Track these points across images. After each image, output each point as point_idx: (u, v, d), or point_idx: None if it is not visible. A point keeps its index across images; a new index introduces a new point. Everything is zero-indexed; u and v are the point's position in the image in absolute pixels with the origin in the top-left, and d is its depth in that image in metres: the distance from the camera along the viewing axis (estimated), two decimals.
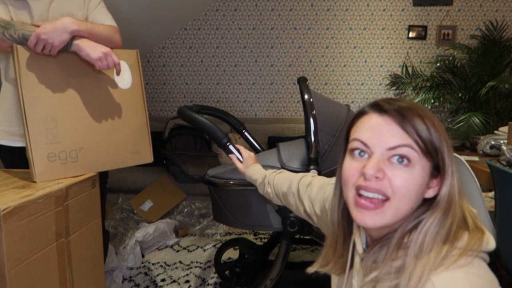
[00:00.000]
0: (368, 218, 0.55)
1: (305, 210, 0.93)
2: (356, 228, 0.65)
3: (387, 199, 0.54)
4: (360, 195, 0.56)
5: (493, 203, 1.63)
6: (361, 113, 0.61)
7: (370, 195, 0.55)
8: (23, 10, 1.18)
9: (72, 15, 1.25)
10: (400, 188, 0.53)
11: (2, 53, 1.19)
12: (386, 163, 0.54)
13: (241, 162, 1.25)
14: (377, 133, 0.55)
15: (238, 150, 1.27)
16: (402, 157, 0.54)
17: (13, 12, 1.16)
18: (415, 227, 0.55)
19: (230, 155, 1.27)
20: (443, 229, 0.53)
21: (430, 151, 0.54)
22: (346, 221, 0.66)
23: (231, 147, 1.27)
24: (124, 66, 1.27)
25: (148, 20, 2.78)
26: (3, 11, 1.13)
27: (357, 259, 0.64)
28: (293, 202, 0.98)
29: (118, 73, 1.23)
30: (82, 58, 1.15)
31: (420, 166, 0.54)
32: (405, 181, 0.53)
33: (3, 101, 1.23)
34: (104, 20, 1.31)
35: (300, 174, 1.01)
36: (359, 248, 0.63)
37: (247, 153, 1.26)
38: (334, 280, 0.73)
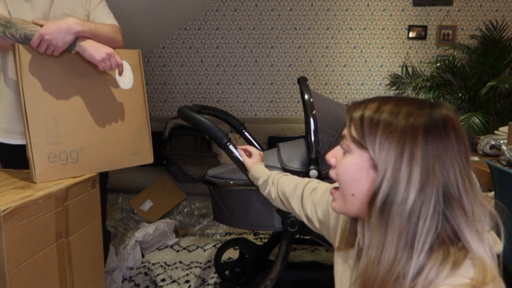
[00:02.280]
0: (332, 204, 0.63)
1: (306, 214, 0.92)
2: (359, 225, 0.65)
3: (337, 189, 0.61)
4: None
5: (493, 203, 1.63)
6: None
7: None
8: (25, 7, 1.17)
9: (74, 12, 1.25)
10: (339, 174, 0.59)
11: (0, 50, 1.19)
12: (342, 153, 0.59)
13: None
14: None
15: (245, 150, 1.28)
16: (343, 145, 0.59)
17: (13, 8, 1.15)
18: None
19: (239, 148, 1.27)
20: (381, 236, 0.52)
21: (358, 140, 0.55)
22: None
23: (231, 147, 1.27)
24: (126, 66, 1.27)
25: (148, 20, 2.78)
26: (1, 7, 1.12)
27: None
28: (295, 205, 0.97)
29: (120, 74, 1.22)
30: (84, 58, 1.14)
31: (357, 154, 0.56)
32: (342, 167, 0.58)
33: (1, 99, 1.22)
34: (105, 19, 1.30)
35: (307, 179, 1.01)
36: (361, 243, 0.63)
37: (257, 151, 1.26)
38: (339, 262, 0.73)
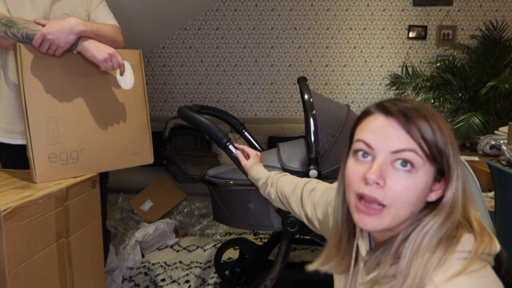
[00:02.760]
0: (368, 222, 0.55)
1: (306, 215, 0.92)
2: (359, 230, 0.65)
3: (384, 206, 0.54)
4: (360, 199, 0.56)
5: (493, 203, 1.64)
6: (366, 113, 0.59)
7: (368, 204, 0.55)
8: (26, 6, 1.17)
9: (74, 12, 1.25)
10: (400, 196, 0.53)
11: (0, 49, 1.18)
12: (389, 168, 0.54)
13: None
14: (382, 135, 0.54)
15: (242, 150, 1.28)
16: (405, 161, 0.53)
17: (14, 7, 1.15)
18: (414, 229, 0.54)
19: (237, 151, 1.28)
20: (442, 232, 0.53)
21: (435, 155, 0.53)
22: (351, 219, 0.65)
23: (231, 147, 1.27)
24: (127, 66, 1.27)
25: (148, 20, 2.78)
26: (1, 6, 1.12)
27: (360, 261, 0.64)
28: (295, 205, 0.97)
29: (122, 74, 1.23)
30: (85, 58, 1.14)
31: (424, 171, 0.53)
32: (406, 188, 0.53)
33: (1, 99, 1.22)
34: (106, 19, 1.30)
35: (306, 179, 1.01)
36: (363, 251, 0.63)
37: (254, 152, 1.27)
38: (337, 279, 0.73)
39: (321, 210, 0.86)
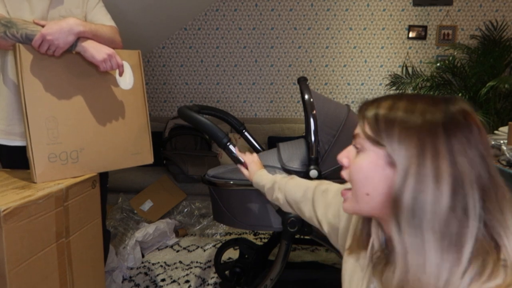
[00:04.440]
0: (343, 206, 0.62)
1: (317, 217, 0.89)
2: (373, 225, 0.63)
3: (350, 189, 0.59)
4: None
5: None
6: None
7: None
8: (24, 8, 1.17)
9: (70, 13, 1.25)
10: (352, 173, 0.57)
11: None
12: (354, 152, 0.58)
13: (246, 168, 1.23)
14: None
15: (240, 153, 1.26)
16: (356, 144, 0.58)
17: (12, 8, 1.15)
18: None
19: (238, 165, 1.25)
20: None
21: (374, 137, 0.54)
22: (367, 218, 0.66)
23: (231, 146, 1.27)
24: (126, 66, 1.27)
25: (148, 20, 2.78)
26: (0, 7, 1.12)
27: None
28: (306, 210, 0.94)
29: (121, 74, 1.23)
30: (84, 59, 1.15)
31: (371, 152, 0.54)
32: (355, 165, 0.57)
33: (0, 100, 1.22)
34: (103, 20, 1.31)
35: (316, 181, 0.97)
36: (376, 245, 0.61)
37: (250, 158, 1.23)
38: (351, 271, 0.71)
39: (333, 210, 0.84)
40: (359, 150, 0.57)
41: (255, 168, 1.20)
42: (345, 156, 0.60)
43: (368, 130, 0.55)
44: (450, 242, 0.46)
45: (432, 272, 0.47)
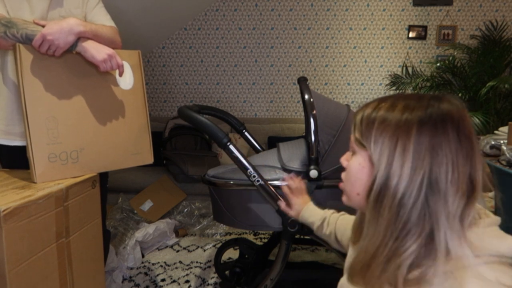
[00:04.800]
0: (342, 198, 0.65)
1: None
2: None
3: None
4: None
5: (493, 203, 1.64)
6: None
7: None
8: (25, 8, 1.17)
9: (70, 14, 1.25)
10: (346, 174, 0.62)
11: None
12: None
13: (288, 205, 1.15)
14: None
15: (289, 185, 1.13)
16: (350, 147, 0.61)
17: (13, 8, 1.15)
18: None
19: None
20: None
21: (359, 140, 0.57)
22: None
23: (231, 147, 1.27)
24: (126, 66, 1.27)
25: (148, 20, 2.78)
26: (0, 7, 1.12)
27: None
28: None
29: (121, 75, 1.23)
30: (85, 59, 1.15)
31: (360, 154, 0.58)
32: (349, 168, 0.61)
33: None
34: (103, 20, 1.31)
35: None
36: None
37: (294, 199, 1.11)
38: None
39: None
40: (352, 153, 0.60)
41: (300, 206, 1.10)
42: (345, 159, 0.64)
43: (357, 133, 0.58)
44: (396, 228, 0.51)
45: (370, 252, 0.53)
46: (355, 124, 0.59)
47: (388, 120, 0.53)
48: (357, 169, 0.58)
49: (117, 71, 1.22)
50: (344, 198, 0.65)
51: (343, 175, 0.64)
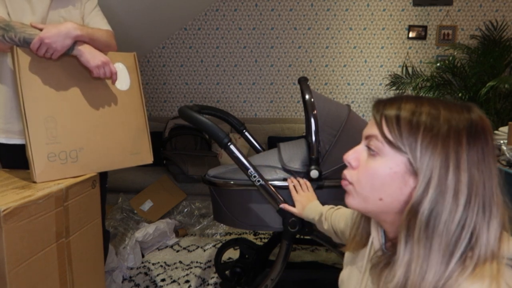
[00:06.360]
0: (347, 199, 0.59)
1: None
2: (373, 225, 0.64)
3: (352, 184, 0.57)
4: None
5: None
6: None
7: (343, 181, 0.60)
8: (26, 10, 1.17)
9: (70, 15, 1.27)
10: (363, 175, 0.55)
11: None
12: (366, 153, 0.56)
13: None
14: (367, 126, 0.58)
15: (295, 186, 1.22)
16: (370, 147, 0.54)
17: (14, 10, 1.15)
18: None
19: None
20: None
21: (395, 142, 0.51)
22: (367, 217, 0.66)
23: (232, 147, 1.27)
24: (122, 68, 1.29)
25: (148, 20, 2.78)
26: (1, 8, 1.13)
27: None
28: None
29: (113, 82, 1.26)
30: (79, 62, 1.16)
31: (389, 157, 0.52)
32: (367, 170, 0.54)
33: None
34: (100, 24, 1.34)
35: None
36: (376, 244, 0.62)
37: (298, 196, 1.19)
38: (349, 273, 0.71)
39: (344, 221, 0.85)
40: (374, 154, 0.54)
41: (303, 204, 1.17)
42: (355, 157, 0.57)
43: (388, 133, 0.52)
44: (449, 252, 0.46)
45: (432, 281, 0.46)
46: (384, 121, 0.52)
47: (436, 129, 0.48)
48: (386, 173, 0.52)
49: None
50: (351, 200, 0.58)
51: (349, 174, 0.58)
